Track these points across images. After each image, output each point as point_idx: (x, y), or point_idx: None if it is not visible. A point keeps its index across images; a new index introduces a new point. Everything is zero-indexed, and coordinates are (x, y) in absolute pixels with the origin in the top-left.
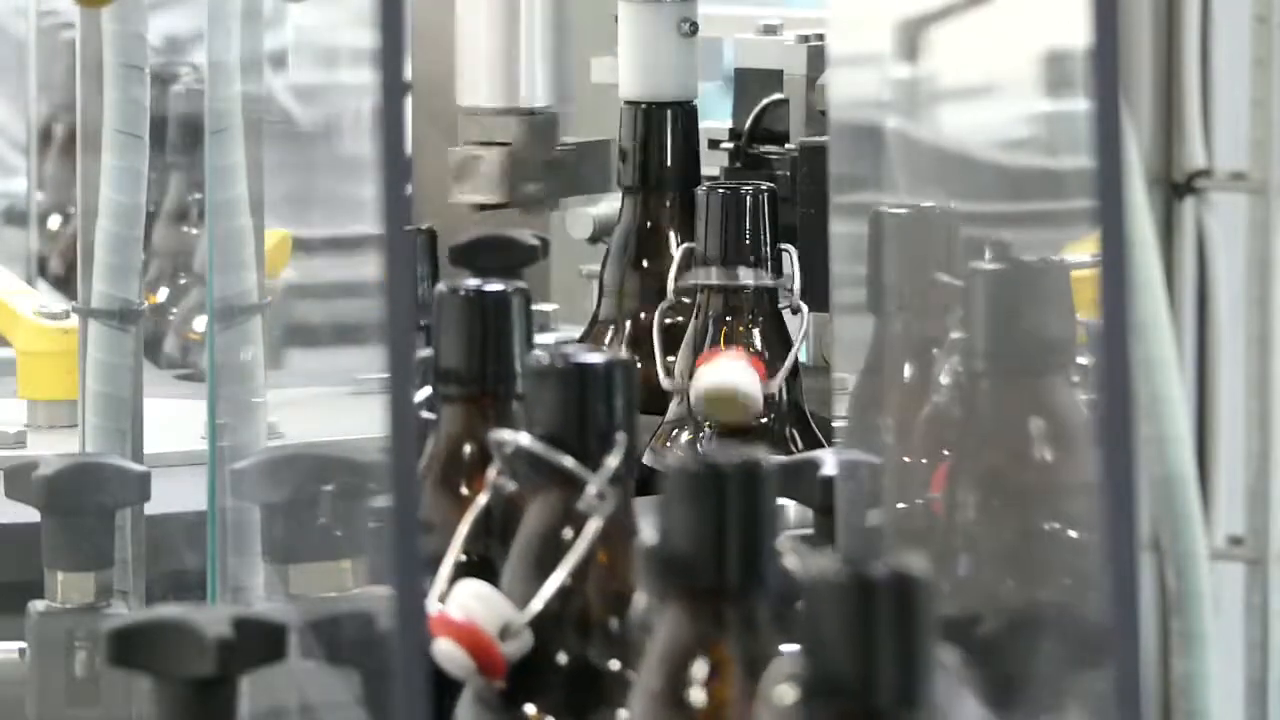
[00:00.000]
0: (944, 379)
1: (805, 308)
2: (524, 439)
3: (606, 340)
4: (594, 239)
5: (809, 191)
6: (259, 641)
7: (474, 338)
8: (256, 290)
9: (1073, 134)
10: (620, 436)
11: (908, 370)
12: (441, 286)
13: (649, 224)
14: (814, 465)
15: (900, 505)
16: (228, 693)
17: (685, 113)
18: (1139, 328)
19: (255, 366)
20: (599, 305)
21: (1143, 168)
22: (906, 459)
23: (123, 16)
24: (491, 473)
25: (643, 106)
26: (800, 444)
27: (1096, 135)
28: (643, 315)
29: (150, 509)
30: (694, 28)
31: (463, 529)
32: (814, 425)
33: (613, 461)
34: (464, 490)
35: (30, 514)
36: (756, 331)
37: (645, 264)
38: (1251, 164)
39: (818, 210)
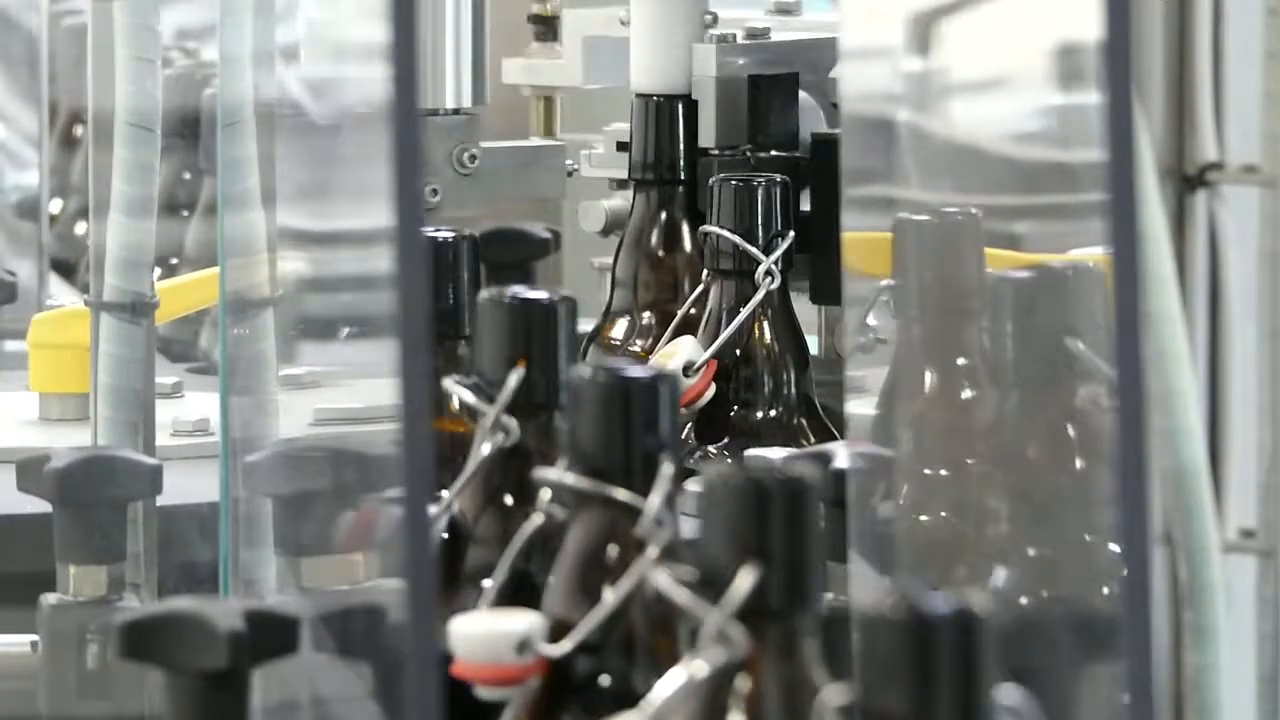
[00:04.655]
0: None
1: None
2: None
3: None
4: (606, 232)
5: (821, 185)
6: (271, 635)
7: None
8: (268, 283)
9: (1085, 127)
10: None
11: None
12: None
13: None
14: (825, 458)
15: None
16: (239, 686)
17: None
18: (1151, 320)
19: (267, 359)
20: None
21: (1155, 161)
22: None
23: (135, 9)
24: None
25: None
26: (811, 437)
27: (1108, 128)
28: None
29: (162, 501)
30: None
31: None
32: (824, 418)
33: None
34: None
35: (42, 507)
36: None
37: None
38: (1263, 157)
39: (830, 203)
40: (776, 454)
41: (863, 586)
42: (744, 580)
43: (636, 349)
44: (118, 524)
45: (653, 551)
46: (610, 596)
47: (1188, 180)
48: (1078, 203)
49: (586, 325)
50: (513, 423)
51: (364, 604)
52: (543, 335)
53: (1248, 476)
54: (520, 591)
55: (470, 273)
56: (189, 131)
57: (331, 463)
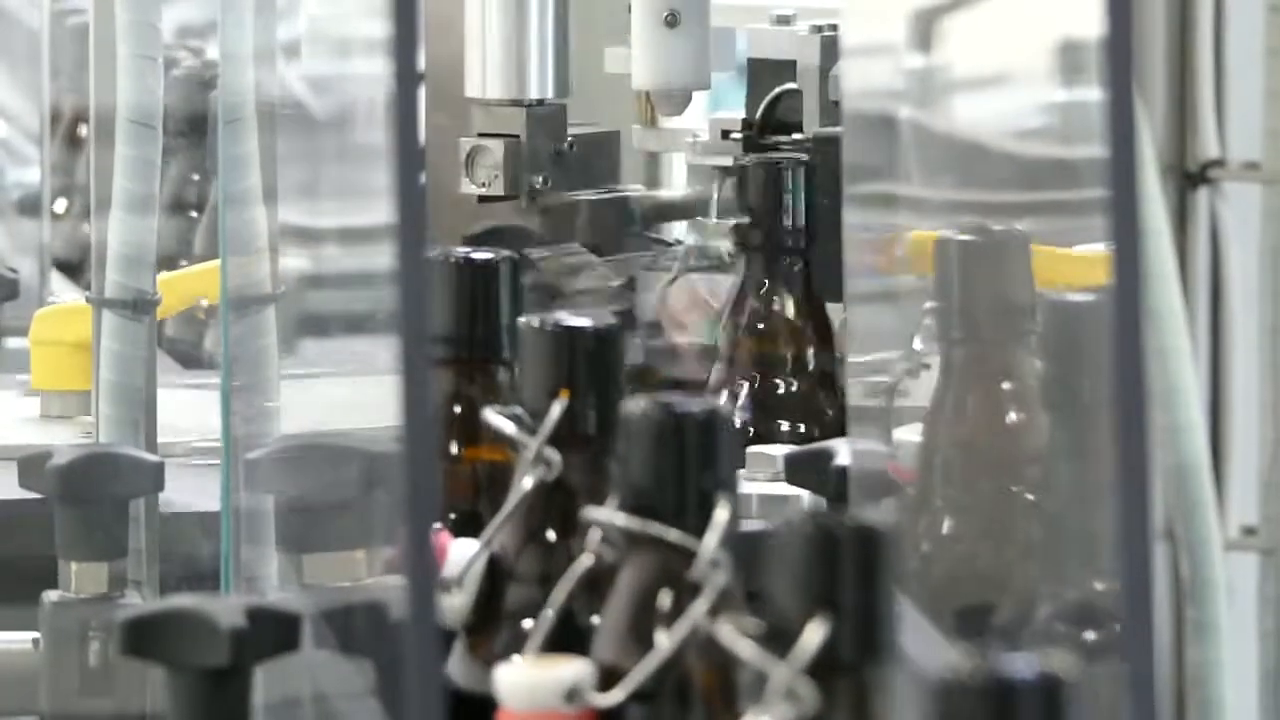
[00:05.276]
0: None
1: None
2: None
3: None
4: None
5: (823, 182)
6: (273, 631)
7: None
8: (270, 280)
9: (1086, 123)
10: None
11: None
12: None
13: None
14: (827, 455)
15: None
16: (241, 683)
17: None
18: (1153, 317)
19: (269, 356)
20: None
21: (1156, 157)
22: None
23: (136, 6)
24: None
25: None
26: (830, 411)
27: (1110, 125)
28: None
29: (163, 499)
30: (674, 18)
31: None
32: (842, 395)
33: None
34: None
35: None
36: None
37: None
38: (1265, 154)
39: (832, 200)
40: (777, 450)
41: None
42: (813, 633)
43: None
44: (119, 521)
45: (708, 596)
46: (664, 642)
47: (1189, 177)
48: (1079, 199)
49: None
50: (555, 456)
51: (365, 601)
52: (587, 364)
53: (1249, 473)
54: (565, 634)
55: (510, 295)
56: (196, 132)
57: (333, 460)
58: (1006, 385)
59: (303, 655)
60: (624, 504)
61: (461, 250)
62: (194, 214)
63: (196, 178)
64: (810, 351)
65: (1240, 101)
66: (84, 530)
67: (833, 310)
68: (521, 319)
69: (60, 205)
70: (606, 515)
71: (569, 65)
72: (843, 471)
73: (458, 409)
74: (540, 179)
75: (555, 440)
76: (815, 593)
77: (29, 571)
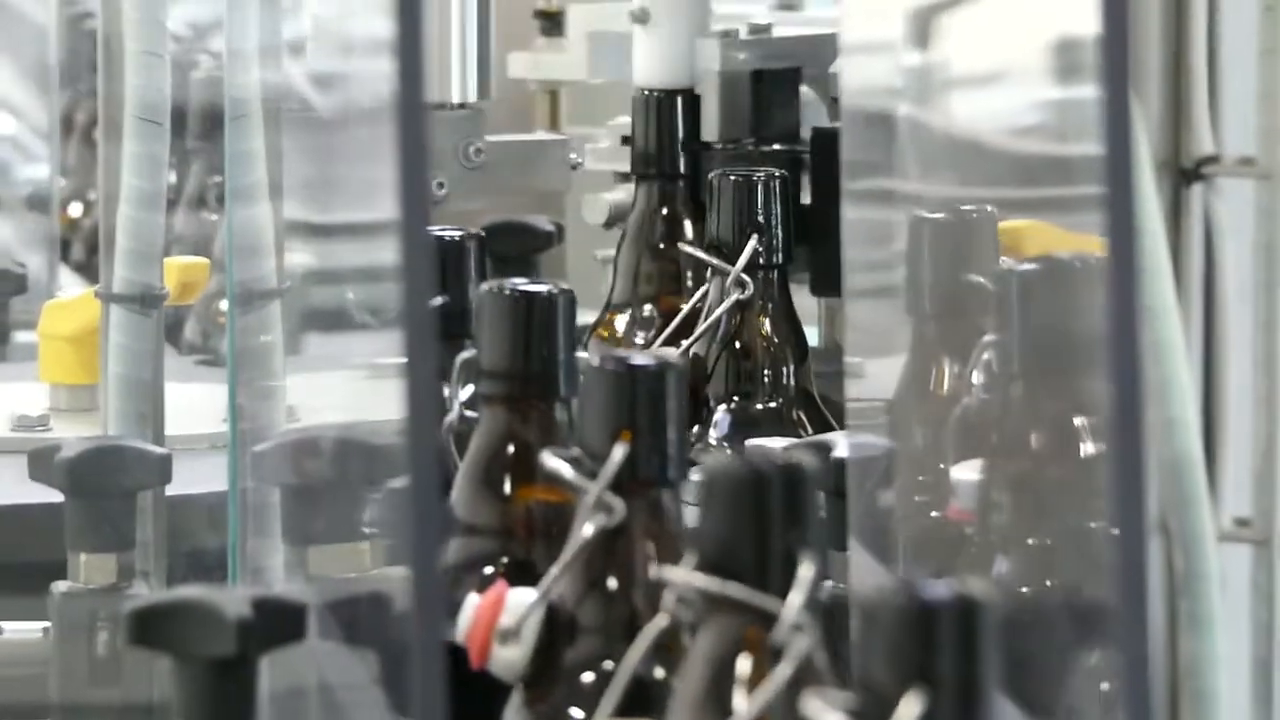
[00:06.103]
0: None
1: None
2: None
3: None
4: (609, 224)
5: (821, 178)
6: (278, 622)
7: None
8: (276, 275)
9: (1082, 120)
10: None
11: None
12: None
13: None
14: (825, 448)
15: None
16: (248, 673)
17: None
18: (1147, 312)
19: (274, 350)
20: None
21: (1151, 154)
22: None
23: (144, 4)
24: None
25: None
26: (809, 428)
27: (1105, 121)
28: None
29: (171, 491)
30: (644, 14)
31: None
32: (823, 409)
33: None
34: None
35: (54, 496)
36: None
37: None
38: (1260, 149)
39: (830, 197)
40: (777, 444)
41: (863, 574)
42: (909, 708)
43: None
44: (127, 513)
45: (791, 661)
46: (745, 709)
47: (1184, 173)
48: (1075, 195)
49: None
50: (617, 501)
51: (370, 592)
52: (650, 404)
53: (1242, 466)
54: (635, 695)
55: (567, 330)
56: (216, 134)
57: (338, 452)
58: (1076, 420)
59: (308, 645)
60: (702, 563)
61: (516, 282)
62: (214, 217)
63: (217, 179)
64: (787, 368)
65: (1235, 97)
66: (92, 522)
67: (832, 305)
68: (582, 356)
69: (76, 209)
70: (684, 576)
71: (490, 69)
72: (841, 464)
73: (511, 449)
74: (436, 183)
75: (617, 485)
76: (911, 665)
77: (39, 563)
